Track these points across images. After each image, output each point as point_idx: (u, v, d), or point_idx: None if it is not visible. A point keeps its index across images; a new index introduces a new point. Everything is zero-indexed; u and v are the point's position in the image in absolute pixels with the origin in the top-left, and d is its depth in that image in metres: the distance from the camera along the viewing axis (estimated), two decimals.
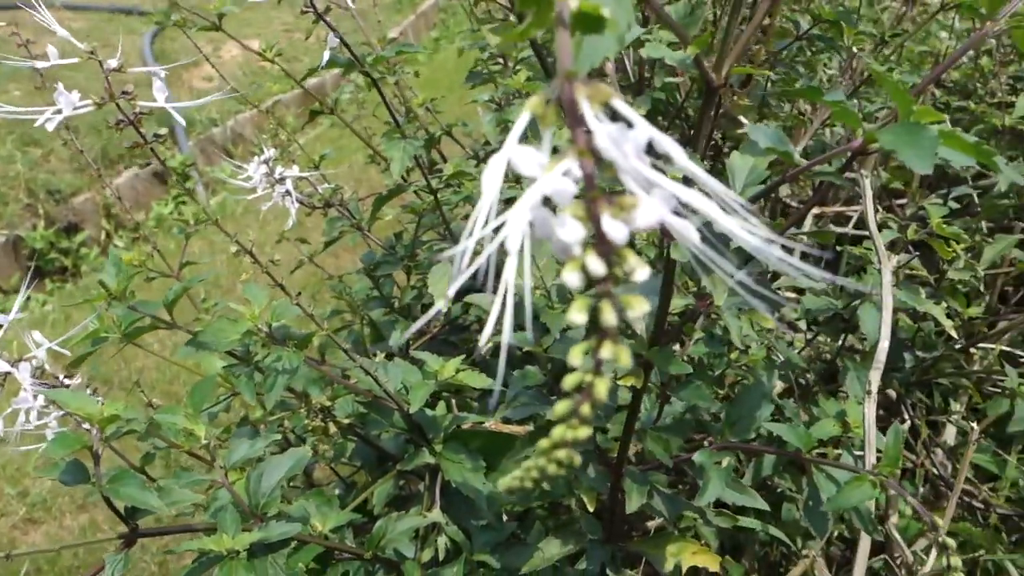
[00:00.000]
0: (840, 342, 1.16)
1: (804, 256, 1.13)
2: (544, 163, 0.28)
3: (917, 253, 1.22)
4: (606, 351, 0.26)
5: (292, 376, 0.77)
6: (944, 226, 1.01)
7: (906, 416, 1.26)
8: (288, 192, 1.19)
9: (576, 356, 0.27)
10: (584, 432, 0.27)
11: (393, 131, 1.02)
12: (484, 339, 0.28)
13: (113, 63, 0.63)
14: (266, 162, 1.19)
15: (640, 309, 0.26)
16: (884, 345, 0.79)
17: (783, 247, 0.28)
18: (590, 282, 0.27)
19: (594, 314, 0.27)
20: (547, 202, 0.27)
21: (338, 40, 0.91)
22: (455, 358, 0.84)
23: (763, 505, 0.64)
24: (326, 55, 0.93)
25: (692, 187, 0.28)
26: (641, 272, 0.27)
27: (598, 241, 0.26)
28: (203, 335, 0.77)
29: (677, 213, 0.28)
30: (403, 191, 1.10)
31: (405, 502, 1.03)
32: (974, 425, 1.09)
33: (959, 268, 1.06)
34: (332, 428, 0.84)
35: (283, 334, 0.82)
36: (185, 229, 1.16)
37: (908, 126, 0.43)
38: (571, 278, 0.26)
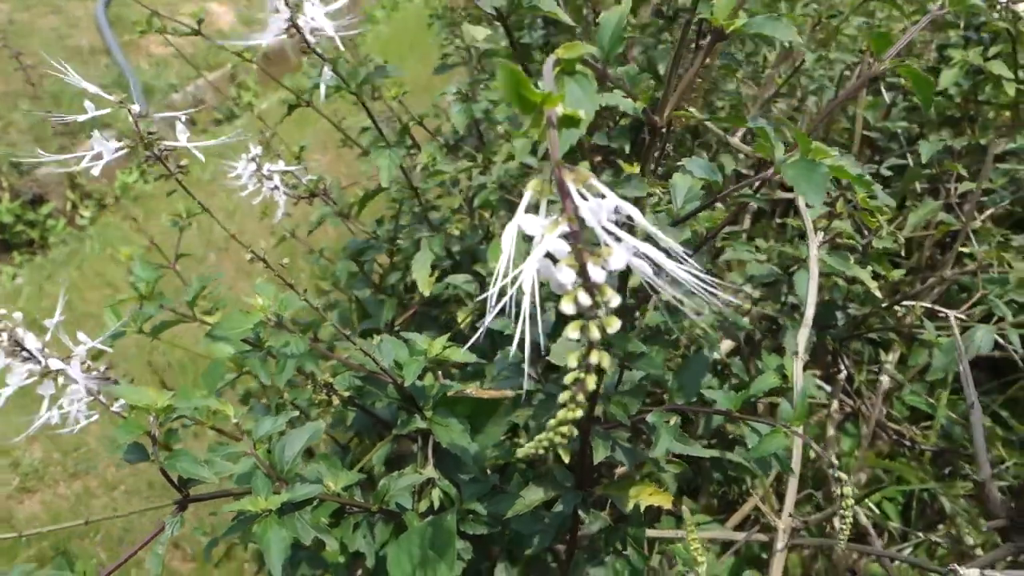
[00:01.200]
0: (781, 303, 1.30)
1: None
2: (545, 225, 0.40)
3: (851, 219, 1.35)
4: (593, 357, 0.38)
5: (299, 359, 0.88)
6: (868, 199, 1.13)
7: (842, 367, 1.40)
8: (276, 187, 1.29)
9: (572, 360, 0.39)
10: (579, 413, 0.39)
11: (379, 140, 1.12)
12: (514, 349, 0.40)
13: (137, 108, 0.73)
14: (254, 159, 1.29)
15: (615, 326, 0.38)
16: (810, 313, 0.92)
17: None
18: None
19: (584, 330, 0.39)
20: (548, 255, 0.39)
21: (331, 73, 1.01)
22: (441, 336, 0.96)
23: (704, 454, 0.77)
24: (323, 88, 1.02)
25: (646, 238, 0.40)
26: (615, 300, 0.39)
27: (585, 281, 0.38)
28: (220, 327, 0.88)
29: (636, 255, 0.41)
30: (385, 190, 1.20)
31: (400, 461, 1.16)
32: (884, 377, 1.23)
33: (882, 237, 1.19)
34: (335, 401, 0.96)
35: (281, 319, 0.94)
36: (179, 223, 1.25)
37: (806, 163, 0.55)
38: (567, 308, 0.38)
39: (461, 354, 0.92)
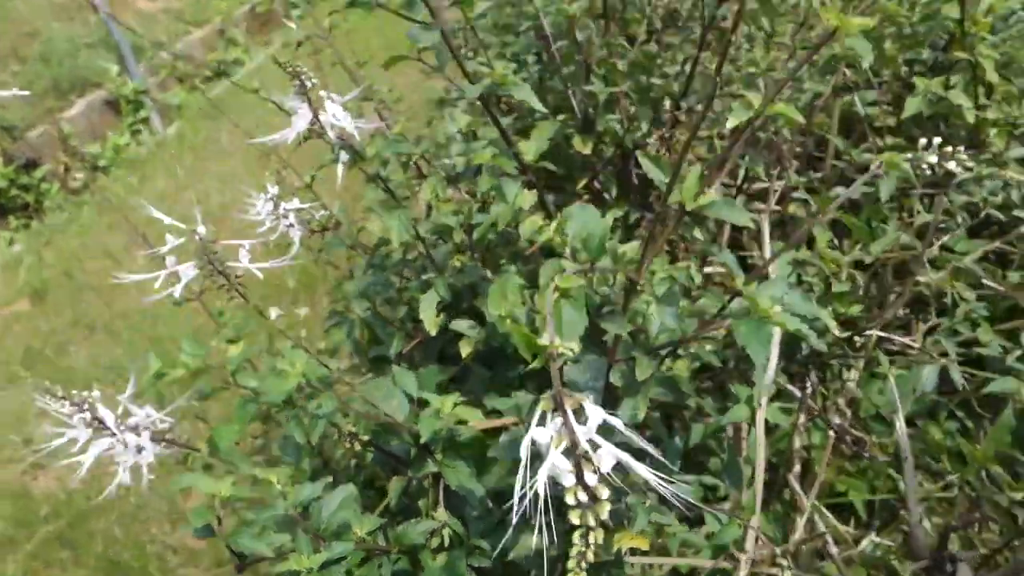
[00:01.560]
0: None
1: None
2: (552, 436, 0.53)
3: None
4: (592, 536, 0.52)
5: (330, 417, 1.02)
6: (828, 250, 1.27)
7: (808, 385, 1.54)
8: (291, 224, 1.41)
9: (576, 538, 0.53)
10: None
11: (389, 202, 1.22)
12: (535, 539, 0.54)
13: (202, 230, 0.84)
14: (272, 199, 1.40)
15: (605, 512, 0.52)
16: (771, 373, 1.05)
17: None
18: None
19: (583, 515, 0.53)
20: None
21: (348, 156, 1.11)
22: (453, 394, 1.09)
23: (674, 524, 0.92)
24: (340, 169, 1.13)
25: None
26: (604, 493, 0.52)
27: (581, 482, 0.52)
28: (259, 389, 1.02)
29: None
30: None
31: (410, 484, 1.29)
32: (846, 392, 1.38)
33: (841, 281, 1.32)
34: (357, 447, 1.10)
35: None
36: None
37: (755, 323, 0.67)
38: (570, 500, 0.52)
39: (471, 413, 1.06)
